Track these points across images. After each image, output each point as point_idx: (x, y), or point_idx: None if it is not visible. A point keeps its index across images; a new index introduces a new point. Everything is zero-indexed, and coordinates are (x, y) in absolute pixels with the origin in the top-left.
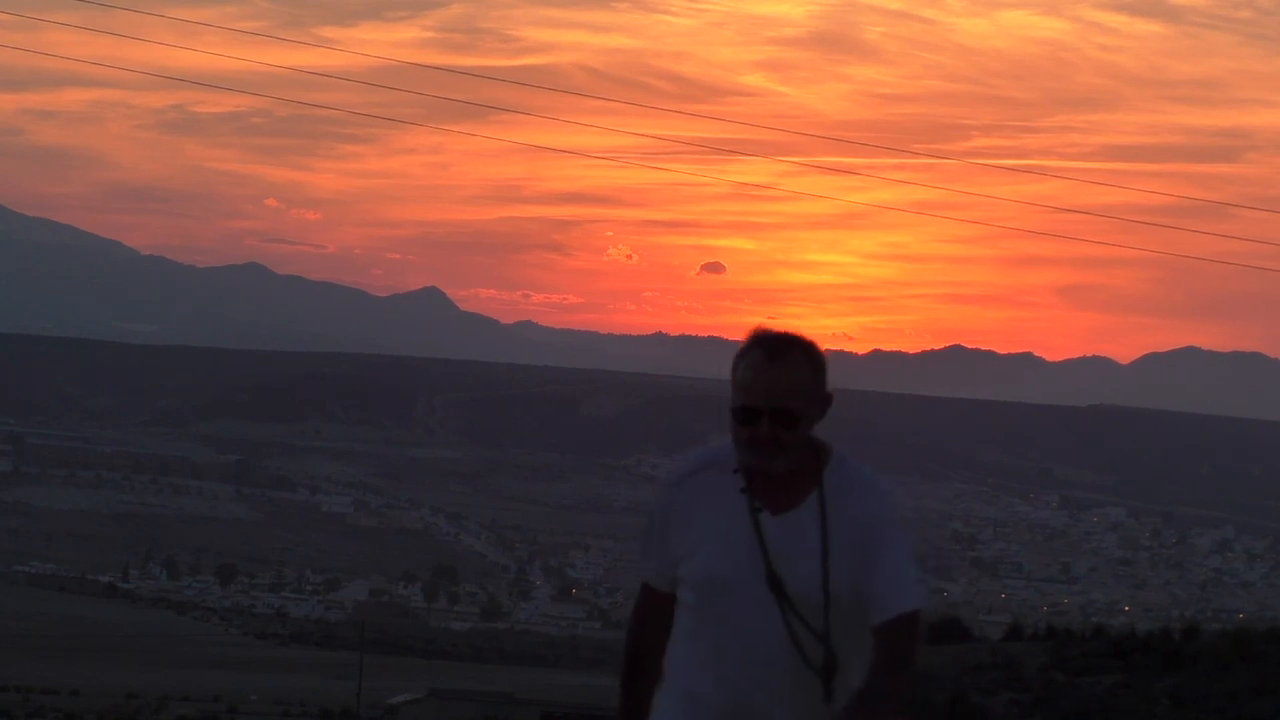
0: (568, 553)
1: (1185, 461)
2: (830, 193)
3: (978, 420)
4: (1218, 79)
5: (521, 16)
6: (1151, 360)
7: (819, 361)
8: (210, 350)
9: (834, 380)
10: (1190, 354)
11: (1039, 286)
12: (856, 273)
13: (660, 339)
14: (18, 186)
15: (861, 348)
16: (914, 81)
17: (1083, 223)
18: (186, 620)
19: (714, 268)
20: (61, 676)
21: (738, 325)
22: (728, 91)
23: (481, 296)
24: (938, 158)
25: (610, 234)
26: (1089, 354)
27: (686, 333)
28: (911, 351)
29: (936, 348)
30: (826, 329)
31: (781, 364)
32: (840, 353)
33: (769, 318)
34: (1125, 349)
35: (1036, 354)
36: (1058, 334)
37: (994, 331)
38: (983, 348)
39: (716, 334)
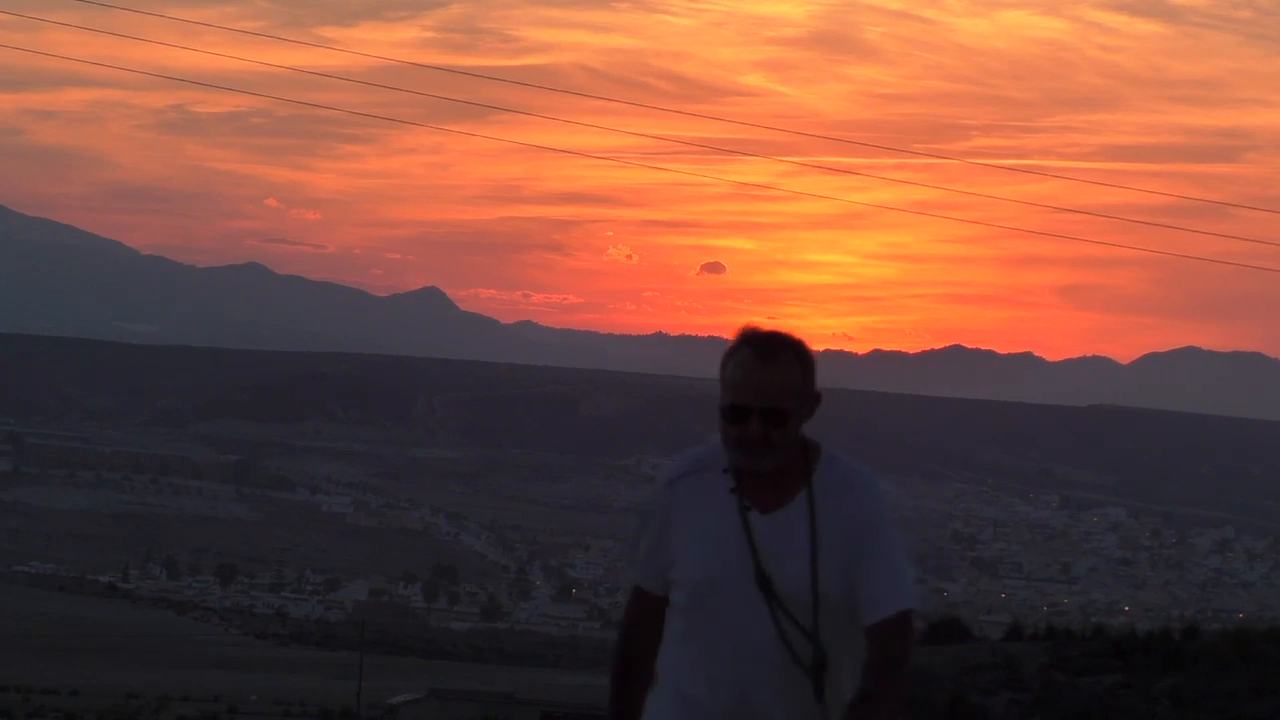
0: (568, 553)
1: (1185, 461)
2: (830, 193)
3: (978, 420)
4: (1218, 79)
5: (521, 16)
6: (1151, 360)
7: (808, 360)
8: (210, 350)
9: (834, 380)
10: (1190, 354)
11: (1039, 286)
12: (856, 273)
13: (660, 339)
14: (18, 186)
15: (861, 348)
16: (914, 81)
17: (1083, 223)
18: (186, 620)
19: (714, 268)
20: (61, 676)
21: (738, 325)
22: (728, 91)
23: (481, 296)
24: (938, 158)
25: (610, 234)
26: (1089, 354)
27: (686, 333)
28: (911, 351)
29: (936, 348)
30: (826, 329)
31: (771, 363)
32: (840, 353)
33: (769, 318)
34: (1125, 349)
35: (1036, 354)
36: (1058, 334)
37: (994, 331)
38: (983, 348)
39: (716, 334)
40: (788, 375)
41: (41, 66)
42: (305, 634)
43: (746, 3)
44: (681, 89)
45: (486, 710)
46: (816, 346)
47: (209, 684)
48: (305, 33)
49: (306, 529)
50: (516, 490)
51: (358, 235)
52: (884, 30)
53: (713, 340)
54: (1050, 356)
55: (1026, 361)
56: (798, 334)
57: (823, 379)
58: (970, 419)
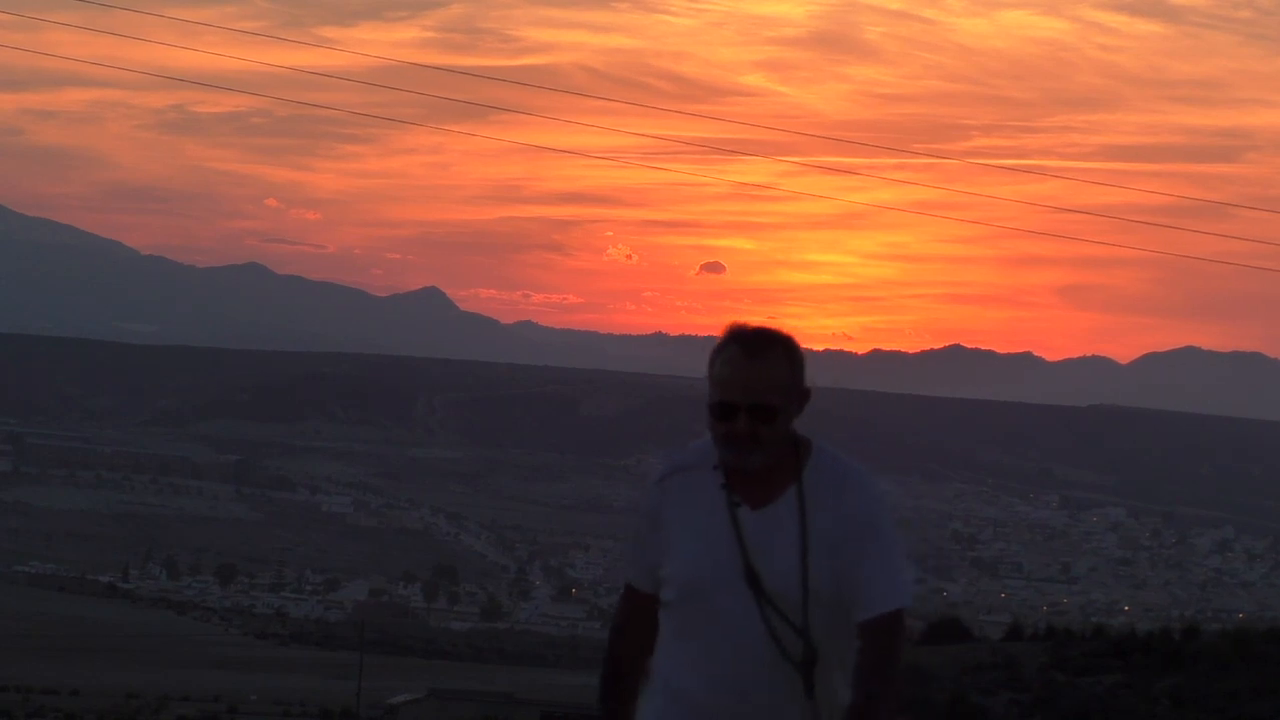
0: (568, 553)
1: (1185, 461)
2: (830, 193)
3: (978, 420)
4: (1218, 79)
5: (521, 16)
6: (1151, 360)
7: (797, 356)
8: (210, 350)
9: (834, 380)
10: (1190, 354)
11: (1039, 286)
12: (856, 273)
13: (660, 339)
14: (18, 186)
15: (861, 348)
16: (914, 81)
17: (1083, 223)
18: (186, 620)
19: (714, 268)
20: (61, 676)
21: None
22: (728, 91)
23: (481, 296)
24: (938, 158)
25: (610, 234)
26: (1089, 354)
27: (686, 333)
28: (911, 351)
29: (936, 348)
30: (826, 329)
31: (759, 360)
32: (840, 353)
33: (769, 318)
34: (1125, 349)
35: (1036, 354)
36: (1058, 334)
37: (994, 331)
38: (983, 348)
39: (716, 334)
40: (775, 372)
41: (41, 66)
42: (305, 634)
43: (746, 3)
44: (681, 89)
45: (486, 710)
46: (816, 346)
47: (209, 684)
48: (305, 33)
49: (306, 529)
50: (516, 490)
51: (358, 235)
52: (884, 30)
53: (713, 340)
54: (1050, 356)
55: (1026, 361)
56: (786, 330)
57: (823, 379)
58: (970, 419)
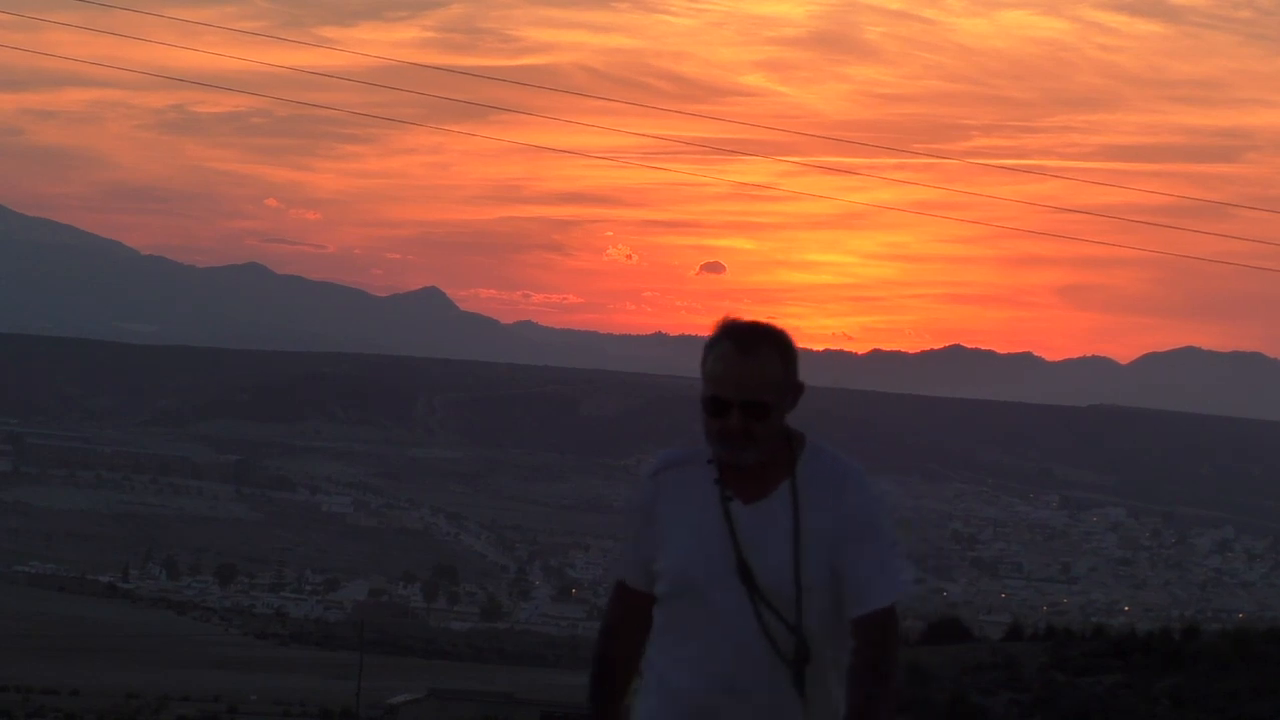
0: (568, 553)
1: (1185, 461)
2: (830, 193)
3: (978, 420)
4: (1218, 79)
5: (521, 16)
6: (1151, 360)
7: (790, 352)
8: (210, 350)
9: (834, 380)
10: (1190, 354)
11: (1039, 286)
12: (856, 273)
13: (660, 339)
14: (18, 186)
15: (861, 348)
16: (914, 81)
17: (1083, 223)
18: (186, 620)
19: (714, 268)
20: (61, 676)
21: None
22: (728, 91)
23: (481, 296)
24: (938, 158)
25: (610, 234)
26: (1089, 354)
27: (686, 333)
28: (911, 351)
29: (936, 348)
30: (826, 329)
31: (752, 356)
32: (840, 353)
33: (769, 317)
34: (1125, 349)
35: (1036, 354)
36: (1058, 334)
37: (994, 331)
38: (983, 348)
39: None
40: (768, 368)
41: (41, 66)
42: (305, 634)
43: (746, 3)
44: (681, 89)
45: (486, 710)
46: (816, 346)
47: (209, 684)
48: (305, 33)
49: (306, 529)
50: (516, 490)
51: (358, 235)
52: (884, 30)
53: None
54: (1050, 356)
55: (1026, 361)
56: (779, 325)
57: (823, 379)
58: (970, 419)
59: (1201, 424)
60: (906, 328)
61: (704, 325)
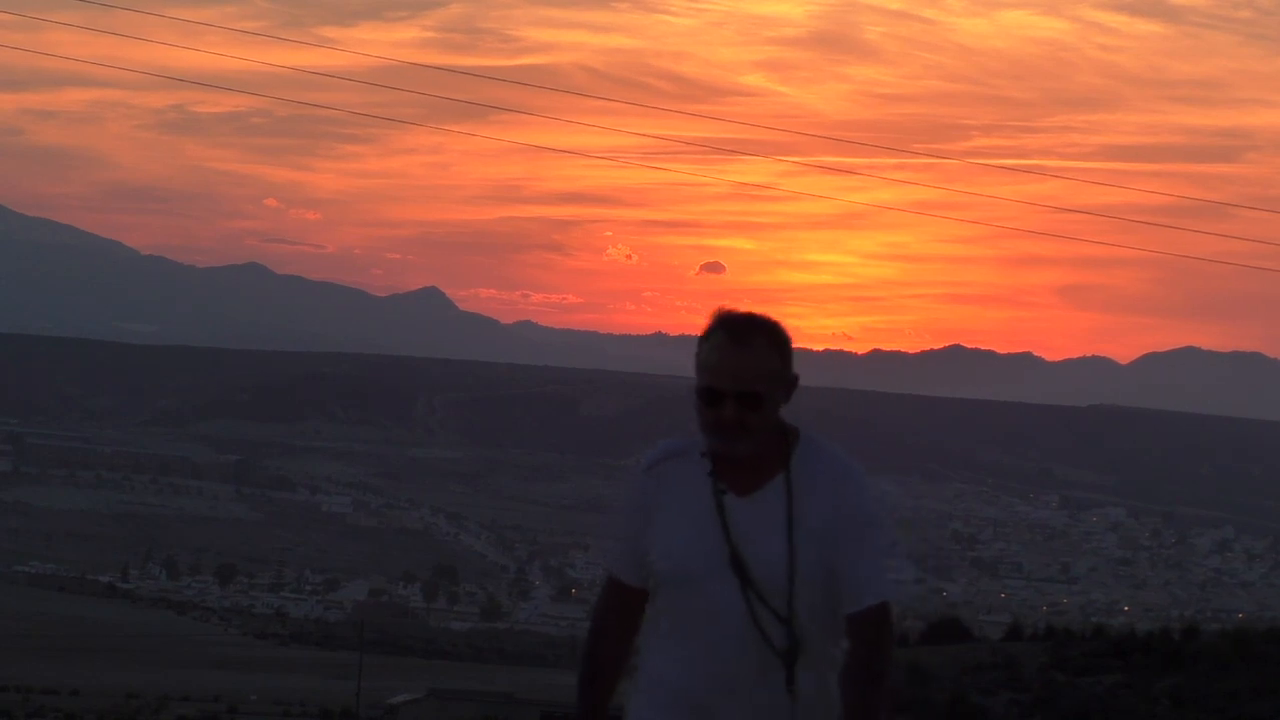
0: (568, 553)
1: (1185, 461)
2: (830, 193)
3: (978, 420)
4: (1218, 79)
5: (521, 16)
6: (1151, 360)
7: (784, 343)
8: (210, 350)
9: (834, 380)
10: (1190, 354)
11: (1039, 286)
12: (856, 273)
13: (660, 339)
14: (18, 186)
15: (861, 348)
16: (914, 81)
17: (1083, 223)
18: (186, 620)
19: (714, 268)
20: (61, 676)
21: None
22: (728, 91)
23: (481, 296)
24: (938, 158)
25: (610, 234)
26: (1089, 354)
27: (686, 333)
28: (911, 351)
29: (936, 348)
30: (826, 329)
31: (746, 347)
32: (840, 353)
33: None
34: (1125, 349)
35: (1036, 354)
36: (1058, 334)
37: (994, 331)
38: (983, 348)
39: None
40: (763, 358)
41: (41, 66)
42: (305, 634)
43: (746, 3)
44: (681, 89)
45: (486, 710)
46: (816, 346)
47: (209, 684)
48: (305, 33)
49: (306, 529)
50: (516, 490)
51: (358, 235)
52: (884, 30)
53: None
54: (1050, 356)
55: (1026, 361)
56: (773, 316)
57: (823, 379)
58: (970, 419)
59: (1201, 424)
60: (906, 328)
61: (704, 326)
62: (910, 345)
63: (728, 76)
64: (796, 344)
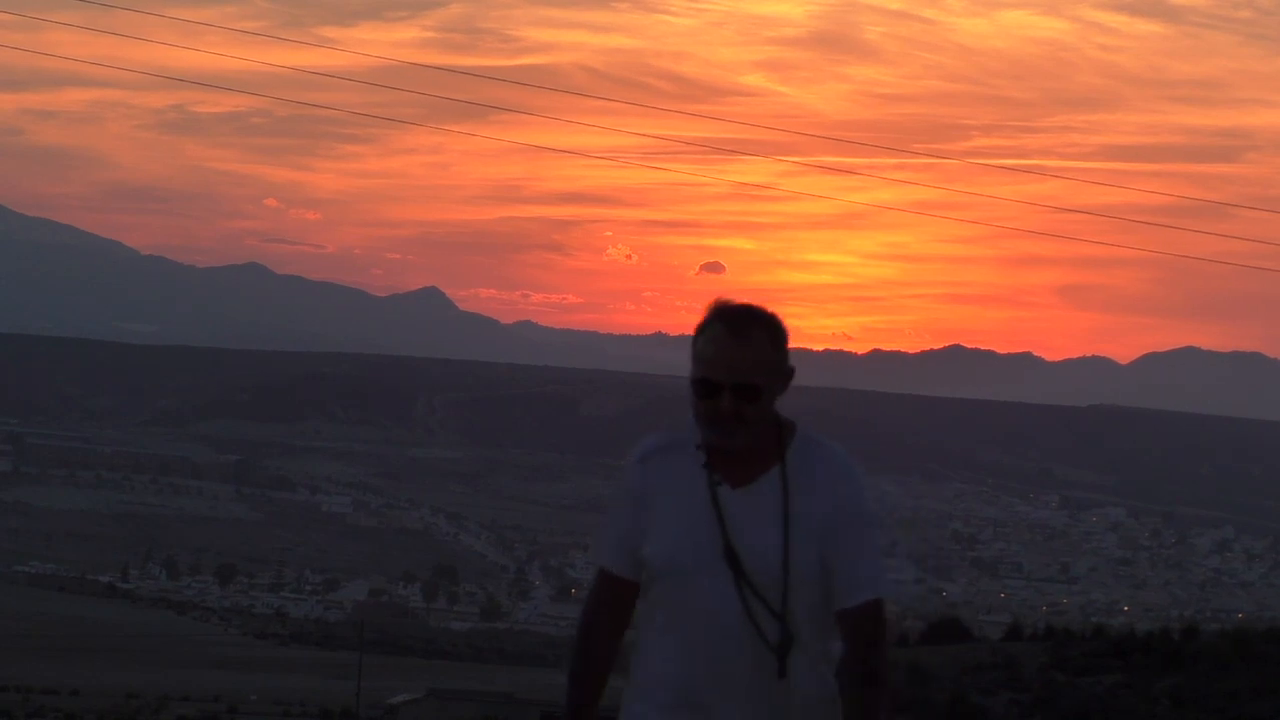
0: (567, 553)
1: (1185, 461)
2: (830, 193)
3: (978, 420)
4: (1218, 79)
5: (521, 16)
6: (1151, 360)
7: (781, 335)
8: (210, 350)
9: (834, 380)
10: (1190, 354)
11: (1039, 286)
12: (856, 273)
13: (660, 339)
14: (18, 186)
15: (861, 348)
16: (914, 81)
17: (1083, 223)
18: (186, 620)
19: (714, 268)
20: (61, 676)
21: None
22: (728, 91)
23: (481, 296)
24: (938, 158)
25: (610, 234)
26: (1089, 354)
27: (686, 333)
28: (911, 351)
29: (936, 348)
30: (826, 329)
31: (743, 339)
32: (840, 353)
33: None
34: (1125, 349)
35: (1036, 354)
36: (1058, 334)
37: (994, 331)
38: (983, 348)
39: None
40: (760, 350)
41: (41, 66)
42: (305, 634)
43: (746, 3)
44: (681, 89)
45: (486, 710)
46: (816, 346)
47: (209, 684)
48: (305, 33)
49: (306, 529)
50: (516, 490)
51: (358, 235)
52: (884, 30)
53: None
54: (1050, 356)
55: (1026, 361)
56: (770, 308)
57: (823, 379)
58: (970, 419)
59: (1201, 424)
60: (906, 328)
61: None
62: (910, 345)
63: (728, 76)
64: (797, 344)
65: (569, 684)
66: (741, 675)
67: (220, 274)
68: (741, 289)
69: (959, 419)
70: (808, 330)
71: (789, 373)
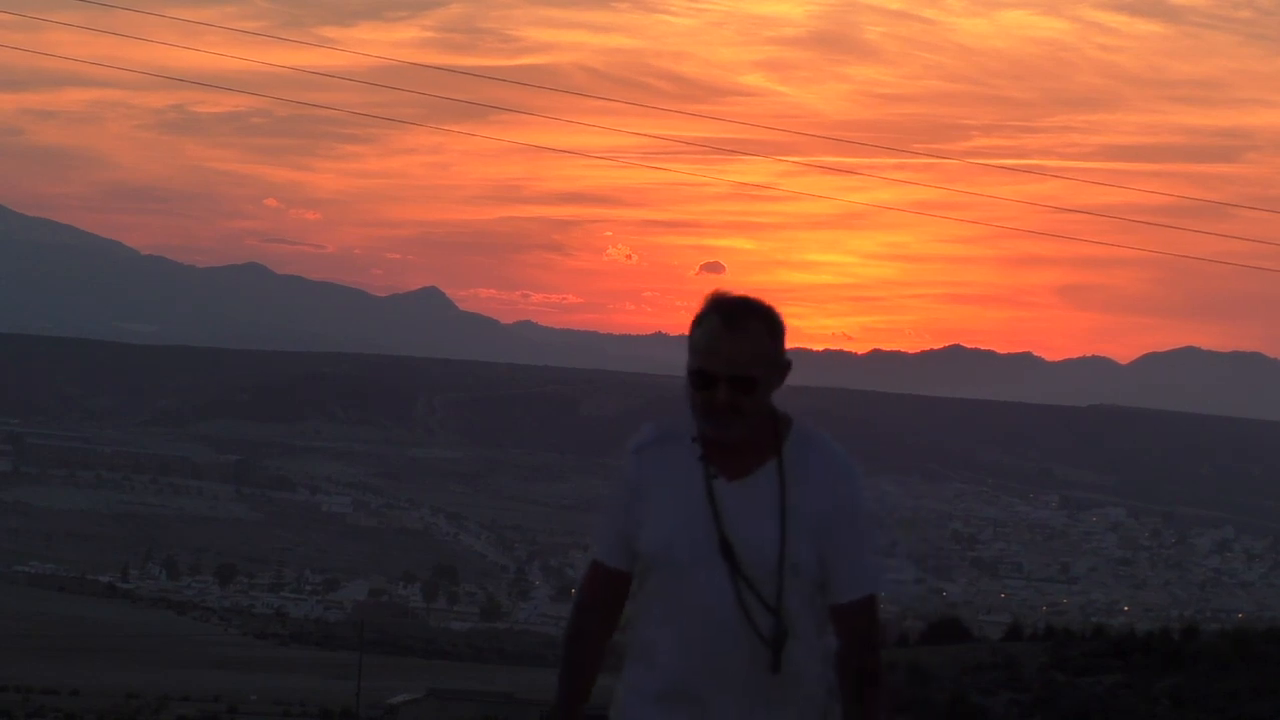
0: (567, 553)
1: (1185, 461)
2: (830, 193)
3: (978, 420)
4: (1218, 79)
5: (521, 16)
6: (1151, 360)
7: (778, 327)
8: (210, 350)
9: (834, 380)
10: (1190, 354)
11: (1039, 286)
12: (856, 273)
13: (660, 339)
14: (18, 186)
15: (861, 348)
16: (914, 81)
17: (1083, 223)
18: (186, 620)
19: (714, 268)
20: (61, 676)
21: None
22: (728, 91)
23: (481, 296)
24: (938, 158)
25: (610, 234)
26: (1089, 354)
27: (686, 333)
28: (911, 351)
29: (936, 348)
30: (826, 329)
31: (740, 330)
32: (840, 353)
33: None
34: (1125, 349)
35: (1036, 354)
36: (1058, 334)
37: (994, 331)
38: (983, 348)
39: None
40: (756, 342)
41: (41, 66)
42: (305, 634)
43: (746, 3)
44: (681, 89)
45: (486, 710)
46: (816, 346)
47: (209, 684)
48: (305, 33)
49: (306, 529)
50: (516, 490)
51: (358, 235)
52: (884, 30)
53: None
54: (1050, 356)
55: (1026, 361)
56: (767, 300)
57: (823, 379)
58: (970, 419)
59: (1201, 424)
60: (906, 328)
61: (697, 309)
62: (910, 345)
63: (728, 76)
64: (796, 345)
65: (561, 674)
66: (737, 668)
67: (220, 274)
68: (741, 289)
69: (959, 419)
70: (808, 330)
71: (786, 365)
